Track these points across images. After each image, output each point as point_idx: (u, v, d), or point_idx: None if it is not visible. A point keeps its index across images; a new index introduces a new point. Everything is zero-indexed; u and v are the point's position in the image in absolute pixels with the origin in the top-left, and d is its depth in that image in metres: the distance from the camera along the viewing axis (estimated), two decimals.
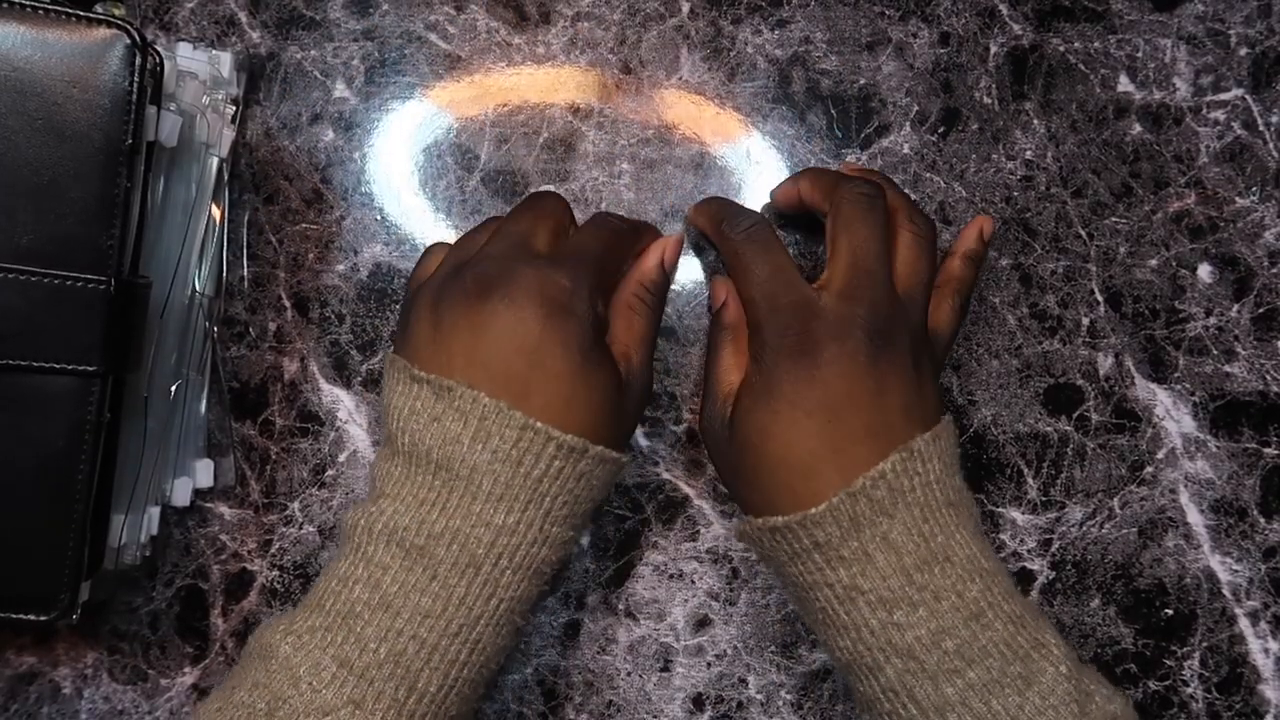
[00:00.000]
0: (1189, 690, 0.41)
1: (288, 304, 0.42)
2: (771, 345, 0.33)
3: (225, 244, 0.41)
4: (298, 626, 0.30)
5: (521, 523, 0.31)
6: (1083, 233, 0.43)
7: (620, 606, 0.41)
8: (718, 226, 0.37)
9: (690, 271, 0.42)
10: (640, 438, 0.41)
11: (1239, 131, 0.43)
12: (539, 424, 0.31)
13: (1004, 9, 0.43)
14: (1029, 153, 0.43)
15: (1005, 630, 0.31)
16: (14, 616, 0.34)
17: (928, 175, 0.43)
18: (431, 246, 0.38)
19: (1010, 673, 0.30)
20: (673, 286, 0.42)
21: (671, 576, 0.41)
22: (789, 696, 0.41)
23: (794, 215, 0.41)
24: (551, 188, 0.41)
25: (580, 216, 0.42)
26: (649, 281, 0.36)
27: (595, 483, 0.33)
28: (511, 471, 0.31)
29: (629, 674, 0.41)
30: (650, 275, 0.36)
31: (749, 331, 0.35)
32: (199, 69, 0.38)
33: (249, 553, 0.41)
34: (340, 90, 0.42)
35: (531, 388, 0.31)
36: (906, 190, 0.42)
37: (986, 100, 0.43)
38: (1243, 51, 0.43)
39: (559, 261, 0.33)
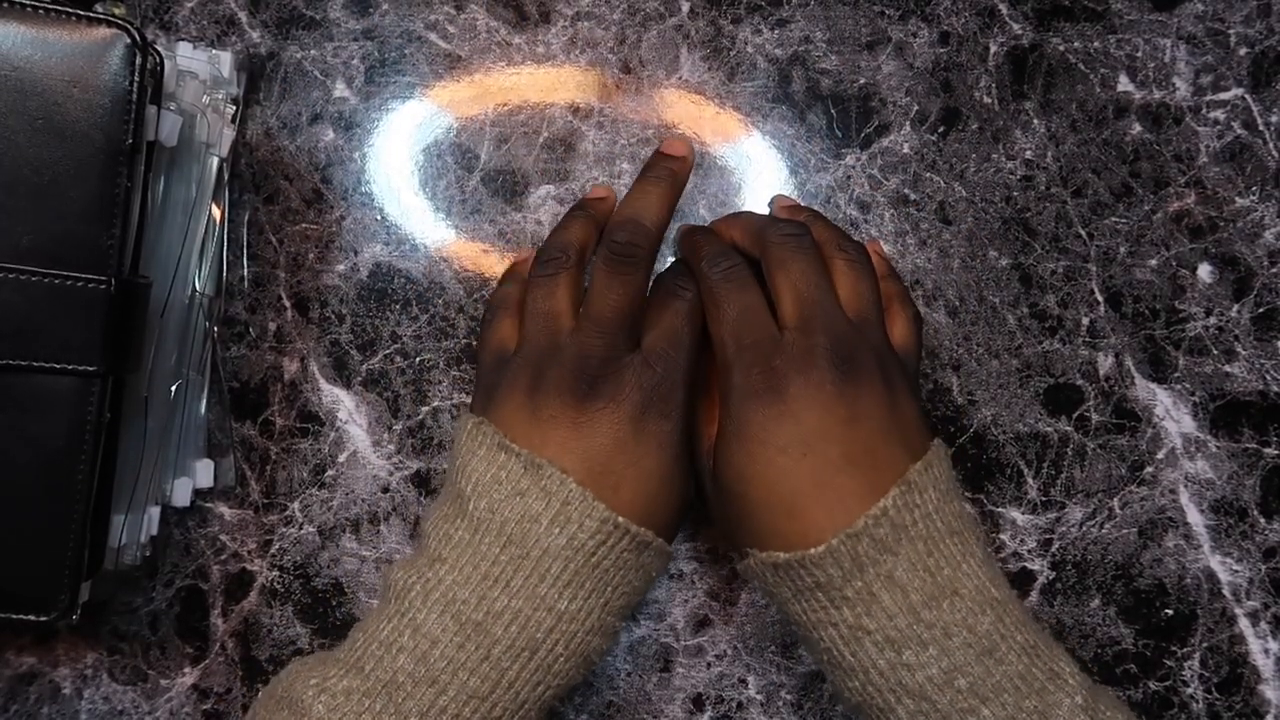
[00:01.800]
0: (1189, 690, 0.41)
1: (288, 304, 0.42)
2: (738, 386, 0.33)
3: (225, 244, 0.41)
4: (333, 685, 0.30)
5: (583, 610, 0.31)
6: (1083, 232, 0.43)
7: None
8: (699, 262, 0.36)
9: None
10: None
11: (1239, 131, 0.43)
12: (621, 519, 0.31)
13: (1004, 9, 0.43)
14: (1029, 152, 0.43)
15: (1019, 663, 0.30)
16: (14, 616, 0.34)
17: (928, 175, 0.43)
18: (496, 303, 0.38)
19: (1025, 707, 0.29)
20: None
21: (671, 576, 0.41)
22: (789, 696, 0.41)
23: None
24: (613, 202, 0.39)
25: None
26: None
27: (651, 574, 0.34)
28: (583, 560, 0.31)
29: (629, 674, 0.41)
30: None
31: (719, 375, 0.35)
32: (199, 69, 0.38)
33: (249, 553, 0.41)
34: (340, 90, 0.42)
35: (623, 483, 0.32)
36: (904, 192, 0.42)
37: (986, 100, 0.43)
38: (1242, 51, 0.43)
39: (655, 355, 0.34)
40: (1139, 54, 0.43)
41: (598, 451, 0.32)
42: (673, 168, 0.37)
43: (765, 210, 0.42)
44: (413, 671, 0.30)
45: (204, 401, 0.40)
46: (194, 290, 0.39)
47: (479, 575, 0.31)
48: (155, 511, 0.38)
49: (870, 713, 0.31)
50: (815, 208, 0.42)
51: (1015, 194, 0.43)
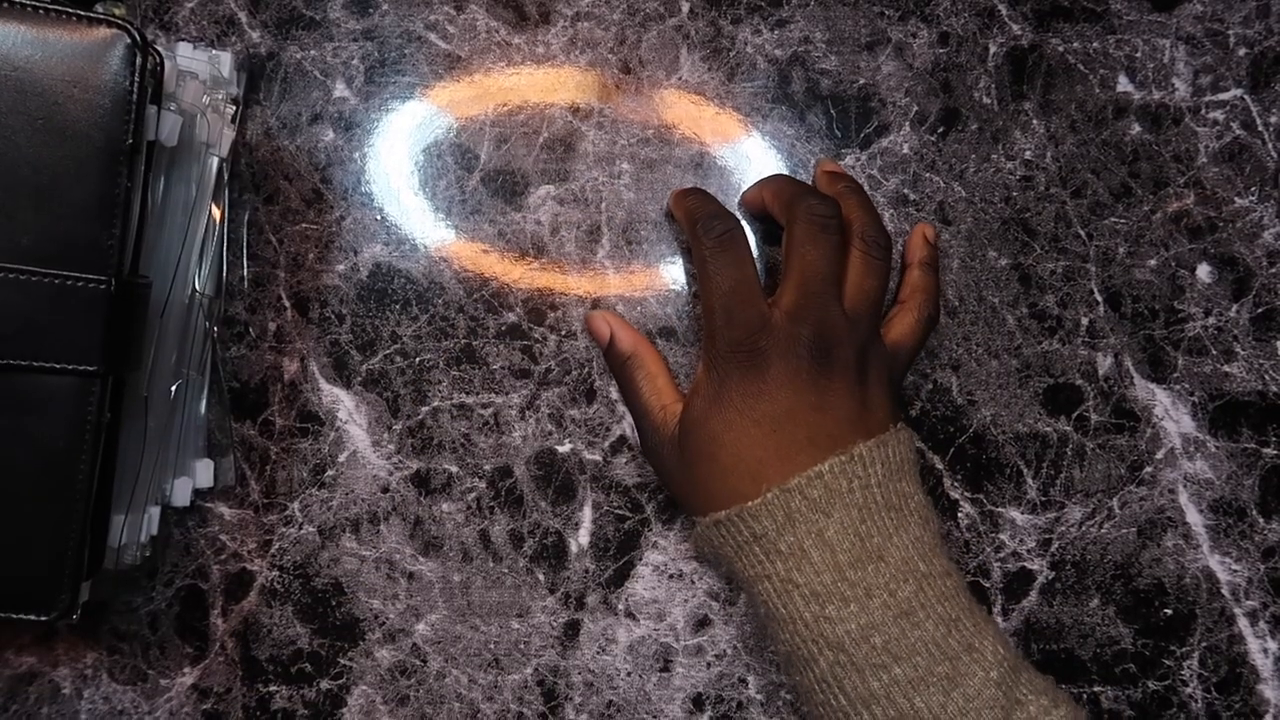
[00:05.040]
0: (1188, 690, 0.41)
1: (288, 304, 0.42)
2: (724, 356, 0.35)
3: (225, 244, 0.41)
4: None
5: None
6: (1082, 233, 0.43)
7: (620, 606, 0.41)
8: (693, 225, 0.37)
9: (678, 272, 0.42)
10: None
11: (1238, 131, 0.43)
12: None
13: (1003, 9, 0.43)
14: (1028, 153, 0.43)
15: (935, 631, 0.32)
16: (14, 616, 0.34)
17: (927, 175, 0.43)
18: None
19: (937, 672, 0.31)
20: (671, 286, 0.42)
21: (671, 576, 0.41)
22: (789, 696, 0.41)
23: (763, 218, 0.41)
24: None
25: (579, 216, 0.42)
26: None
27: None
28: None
29: (629, 674, 0.41)
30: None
31: (704, 337, 0.36)
32: (199, 69, 0.38)
33: (249, 553, 0.41)
34: (340, 90, 0.42)
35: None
36: (904, 192, 0.42)
37: (986, 100, 0.43)
38: (1241, 51, 0.43)
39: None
40: (1138, 54, 0.43)
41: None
42: None
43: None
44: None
45: (204, 401, 0.40)
46: (194, 290, 0.39)
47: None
48: (155, 511, 0.38)
49: (797, 663, 0.33)
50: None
51: (1015, 194, 0.43)
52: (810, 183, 0.41)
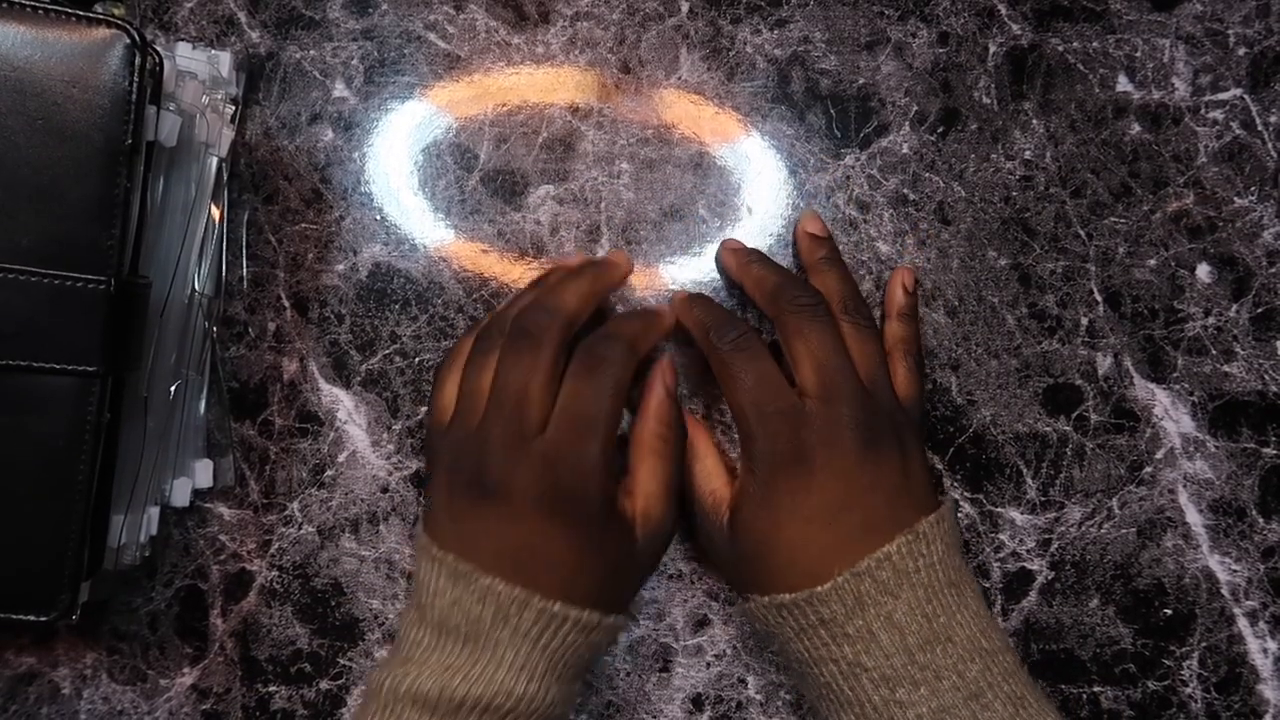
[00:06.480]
0: (1188, 690, 0.41)
1: (287, 304, 0.42)
2: (764, 455, 0.34)
3: (225, 244, 0.41)
4: None
5: (541, 689, 0.32)
6: (1082, 233, 0.43)
7: None
8: (705, 334, 0.37)
9: (689, 273, 0.42)
10: None
11: (1237, 131, 0.43)
12: (556, 606, 0.32)
13: (1003, 9, 0.43)
14: (1028, 152, 0.43)
15: (1004, 710, 0.31)
16: (14, 617, 0.34)
17: (927, 175, 0.43)
18: (441, 376, 0.38)
19: None
20: (670, 286, 0.42)
21: (671, 577, 0.41)
22: (788, 697, 0.41)
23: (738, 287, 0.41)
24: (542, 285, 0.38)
25: (579, 216, 0.42)
26: (664, 417, 0.37)
27: (603, 645, 0.35)
28: (530, 647, 0.32)
29: (629, 674, 0.41)
30: (664, 412, 0.37)
31: (741, 441, 0.36)
32: (198, 69, 0.38)
33: (248, 553, 0.41)
34: (340, 90, 0.42)
35: (539, 570, 0.33)
36: (903, 192, 0.42)
37: (985, 100, 0.43)
38: (1241, 51, 0.43)
39: (558, 444, 0.33)
40: (1138, 54, 0.43)
41: (507, 547, 0.33)
42: (603, 269, 0.38)
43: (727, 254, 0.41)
44: None
45: (203, 401, 0.40)
46: (193, 290, 0.39)
47: (441, 668, 0.32)
48: (155, 511, 0.38)
49: None
50: (815, 208, 0.42)
51: (1014, 194, 0.43)
52: (792, 237, 0.42)
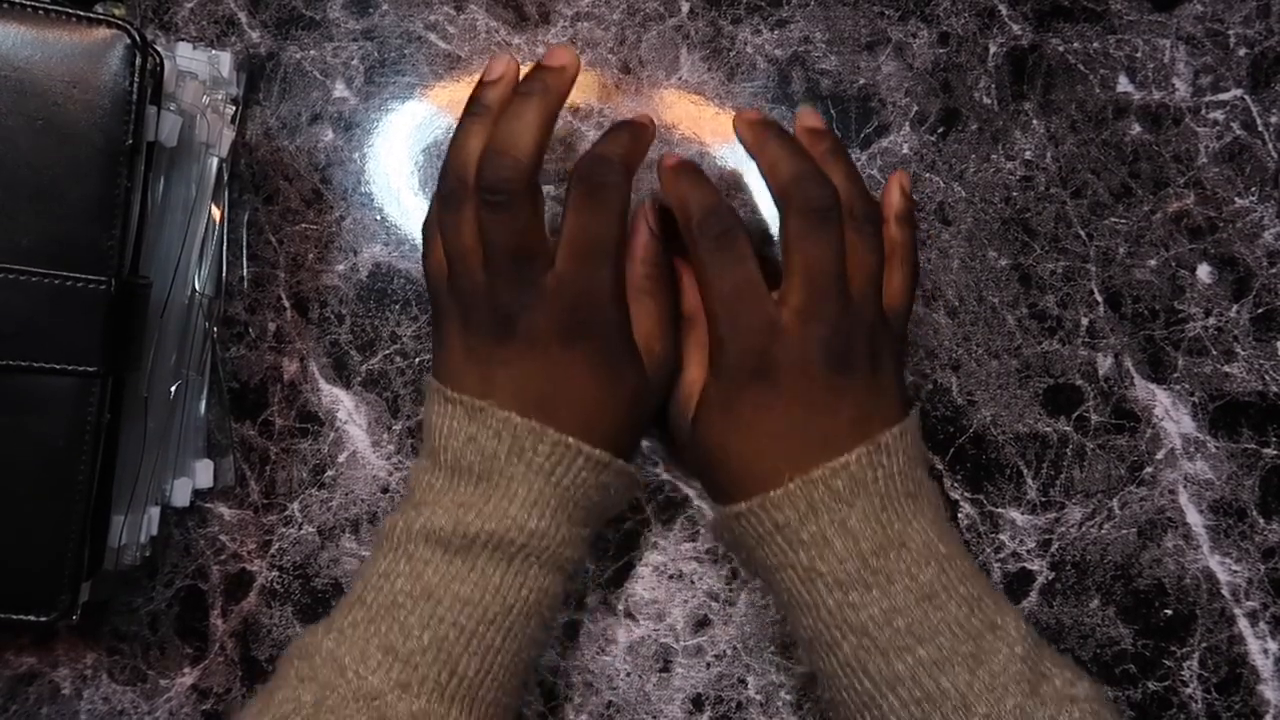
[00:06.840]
0: (1188, 690, 0.41)
1: (287, 304, 0.42)
2: (731, 366, 0.34)
3: (225, 244, 0.41)
4: (338, 624, 0.32)
5: (552, 525, 0.33)
6: (1082, 233, 0.43)
7: (620, 607, 0.41)
8: (687, 220, 0.35)
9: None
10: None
11: (1238, 132, 0.43)
12: (570, 440, 0.33)
13: (1003, 9, 0.43)
14: (1028, 153, 0.43)
15: (958, 611, 0.32)
16: (14, 617, 0.34)
17: (927, 175, 0.43)
18: (426, 236, 0.37)
19: (961, 651, 0.31)
20: None
21: (671, 577, 0.41)
22: (788, 697, 0.41)
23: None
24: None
25: None
26: (650, 257, 0.37)
27: (614, 494, 0.35)
28: (544, 481, 0.33)
29: (628, 674, 0.41)
30: (649, 251, 0.37)
31: (710, 342, 0.35)
32: (199, 69, 0.38)
33: (249, 553, 0.41)
34: (340, 90, 0.42)
35: (559, 406, 0.33)
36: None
37: (986, 100, 0.43)
38: (1242, 52, 0.43)
39: (571, 276, 0.33)
40: (1138, 54, 0.43)
41: (528, 382, 0.33)
42: (548, 81, 0.34)
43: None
44: (410, 590, 0.32)
45: (204, 401, 0.40)
46: (194, 290, 0.39)
47: (455, 505, 0.33)
48: (155, 511, 0.38)
49: (819, 648, 0.33)
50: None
51: (1015, 194, 0.43)
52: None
